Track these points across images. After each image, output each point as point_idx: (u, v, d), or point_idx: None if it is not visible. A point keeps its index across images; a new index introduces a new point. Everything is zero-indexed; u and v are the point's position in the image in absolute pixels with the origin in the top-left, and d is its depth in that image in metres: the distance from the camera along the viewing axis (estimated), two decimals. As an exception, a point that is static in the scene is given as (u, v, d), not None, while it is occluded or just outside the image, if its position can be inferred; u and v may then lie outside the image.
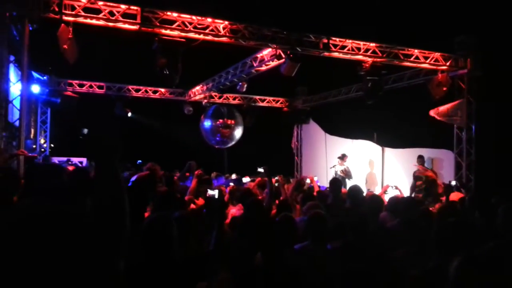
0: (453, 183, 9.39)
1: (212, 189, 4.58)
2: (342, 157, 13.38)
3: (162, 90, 15.83)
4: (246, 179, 12.26)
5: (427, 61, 10.58)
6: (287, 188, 8.94)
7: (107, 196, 1.58)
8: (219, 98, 16.27)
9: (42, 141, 15.67)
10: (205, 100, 15.78)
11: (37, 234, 1.28)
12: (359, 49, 9.95)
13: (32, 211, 1.35)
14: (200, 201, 6.61)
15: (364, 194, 6.62)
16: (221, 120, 15.70)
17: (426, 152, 11.80)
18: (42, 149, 15.51)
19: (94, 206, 1.56)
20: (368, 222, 4.16)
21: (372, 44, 10.04)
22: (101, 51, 11.73)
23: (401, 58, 10.34)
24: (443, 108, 10.97)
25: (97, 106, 15.15)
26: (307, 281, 3.21)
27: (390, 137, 13.72)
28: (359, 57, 10.01)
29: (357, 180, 13.08)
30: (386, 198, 6.11)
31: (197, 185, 6.71)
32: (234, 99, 16.64)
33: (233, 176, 12.37)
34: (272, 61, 10.52)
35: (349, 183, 11.59)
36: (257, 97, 16.75)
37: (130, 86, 15.38)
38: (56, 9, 7.75)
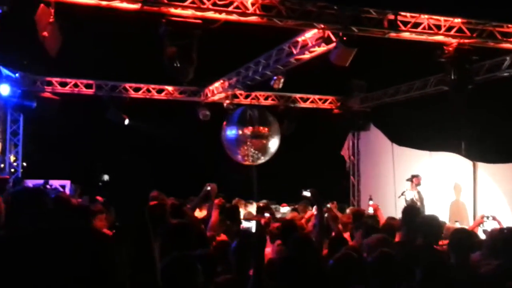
0: None
1: (246, 220, 4.65)
2: (412, 179, 13.26)
3: (170, 88, 16.10)
4: (284, 209, 12.29)
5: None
6: (341, 219, 9.04)
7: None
8: (246, 97, 16.38)
9: (13, 158, 15.99)
10: (228, 101, 15.96)
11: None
12: (438, 27, 9.83)
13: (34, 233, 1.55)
14: (223, 237, 6.88)
15: (446, 227, 6.70)
16: (250, 128, 15.81)
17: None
18: (13, 169, 15.85)
19: None
20: (450, 265, 4.19)
21: (457, 20, 9.82)
22: (91, 39, 12.02)
23: (499, 38, 10.14)
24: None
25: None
26: None
27: (484, 147, 13.54)
28: (439, 38, 9.91)
29: (436, 209, 12.89)
30: (481, 233, 6.08)
31: (219, 217, 6.97)
32: (266, 98, 16.72)
33: (263, 204, 12.36)
34: (319, 46, 10.59)
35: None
36: (298, 95, 16.79)
37: (127, 84, 15.69)
38: (34, -15, 7.98)
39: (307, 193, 6.76)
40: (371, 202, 10.50)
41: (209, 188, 7.83)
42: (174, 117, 17.54)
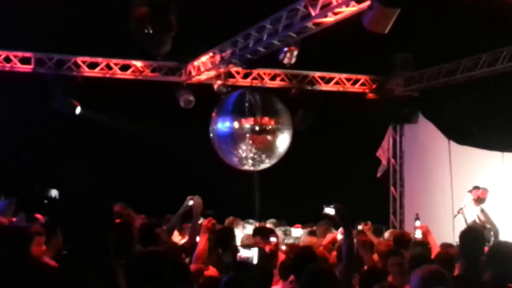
0: None
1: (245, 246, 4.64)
2: (475, 192, 13.23)
3: (139, 64, 16.15)
4: (297, 231, 12.29)
5: None
6: (377, 246, 9.03)
7: None
8: (245, 77, 16.38)
9: None
10: (219, 82, 15.98)
11: None
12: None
13: None
14: (212, 272, 6.88)
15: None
16: (250, 119, 15.83)
17: None
18: None
19: None
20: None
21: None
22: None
23: None
24: None
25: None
26: None
27: None
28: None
29: (509, 233, 12.95)
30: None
31: (208, 244, 7.09)
32: (273, 78, 16.72)
33: (268, 225, 12.39)
34: (346, 6, 10.57)
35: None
36: (317, 74, 16.78)
37: (79, 58, 15.72)
38: None
39: (329, 210, 6.60)
40: (418, 223, 10.52)
41: (191, 202, 7.84)
42: (144, 105, 17.48)
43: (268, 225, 12.30)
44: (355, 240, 7.17)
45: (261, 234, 9.72)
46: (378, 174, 17.63)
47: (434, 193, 16.35)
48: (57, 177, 14.46)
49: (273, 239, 9.42)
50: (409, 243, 9.15)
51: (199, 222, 7.92)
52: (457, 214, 13.38)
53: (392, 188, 17.72)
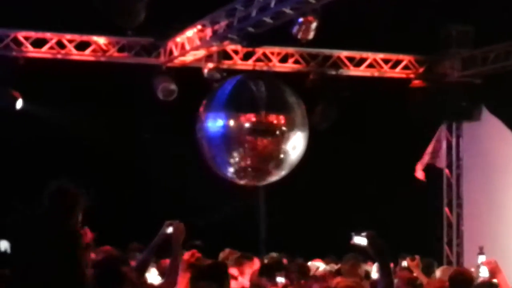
0: None
1: None
2: None
3: (101, 41, 16.07)
4: (316, 265, 12.32)
5: None
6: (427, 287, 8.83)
7: None
8: (246, 58, 16.41)
9: None
10: (210, 65, 15.90)
11: None
12: None
13: None
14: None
15: None
16: (251, 116, 15.65)
17: None
18: None
19: None
20: None
21: None
22: None
23: None
24: None
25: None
26: None
27: None
28: None
29: None
30: None
31: (191, 286, 6.98)
32: (283, 59, 16.73)
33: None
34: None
35: None
36: (344, 53, 16.82)
37: (20, 32, 15.66)
38: None
39: (360, 240, 6.43)
40: (483, 258, 10.47)
41: (170, 229, 7.67)
42: (109, 96, 17.49)
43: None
44: (396, 280, 7.09)
45: (266, 272, 9.83)
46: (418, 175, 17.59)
47: (503, 216, 16.31)
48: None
49: (280, 279, 9.53)
50: (471, 284, 9.06)
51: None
52: None
53: (446, 209, 17.73)
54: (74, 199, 6.77)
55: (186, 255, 7.27)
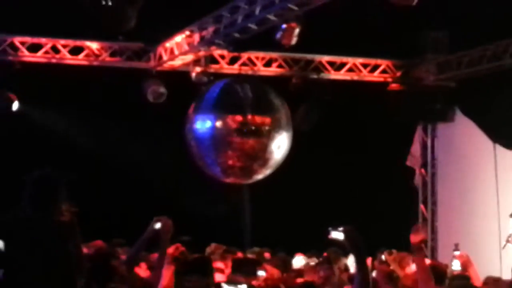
0: None
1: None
2: None
3: (94, 46, 16.25)
4: (298, 261, 12.40)
5: None
6: (403, 281, 9.09)
7: None
8: (232, 62, 16.52)
9: None
10: (199, 69, 16.09)
11: None
12: None
13: None
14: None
15: None
16: (238, 117, 15.92)
17: None
18: None
19: None
20: None
21: None
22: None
23: None
24: None
25: None
26: None
27: None
28: None
29: None
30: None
31: (175, 279, 7.12)
32: (268, 64, 16.88)
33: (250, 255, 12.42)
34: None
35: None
36: (326, 58, 16.93)
37: (16, 38, 15.80)
38: None
39: (337, 235, 6.35)
40: (457, 252, 10.42)
41: (158, 225, 7.66)
42: (101, 99, 17.45)
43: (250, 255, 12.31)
44: (374, 273, 7.12)
45: (246, 267, 9.45)
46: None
47: (475, 214, 16.39)
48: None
49: (261, 273, 9.40)
50: (444, 276, 9.06)
51: None
52: (506, 243, 13.41)
53: (421, 207, 17.80)
54: (57, 184, 7.05)
55: (171, 249, 7.47)
